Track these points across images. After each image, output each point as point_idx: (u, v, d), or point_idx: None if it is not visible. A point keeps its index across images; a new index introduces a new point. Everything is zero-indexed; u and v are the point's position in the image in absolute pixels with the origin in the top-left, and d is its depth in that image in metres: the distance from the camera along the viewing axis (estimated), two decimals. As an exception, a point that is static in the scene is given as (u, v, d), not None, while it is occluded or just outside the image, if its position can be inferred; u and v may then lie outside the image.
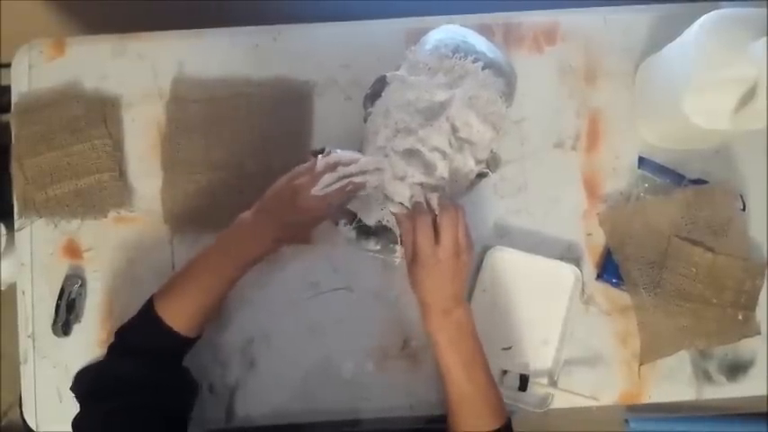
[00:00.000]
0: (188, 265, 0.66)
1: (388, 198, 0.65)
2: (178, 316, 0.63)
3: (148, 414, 0.61)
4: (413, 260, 0.63)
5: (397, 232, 0.66)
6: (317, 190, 0.62)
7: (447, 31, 0.67)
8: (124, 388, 0.62)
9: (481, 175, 0.68)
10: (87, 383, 0.66)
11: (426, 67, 0.64)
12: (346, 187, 0.63)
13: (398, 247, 0.67)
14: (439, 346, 0.63)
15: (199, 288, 0.64)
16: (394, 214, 0.65)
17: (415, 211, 0.63)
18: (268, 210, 0.65)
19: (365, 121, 0.67)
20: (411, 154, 0.64)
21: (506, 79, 0.66)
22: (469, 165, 0.65)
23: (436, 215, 0.63)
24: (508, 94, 0.67)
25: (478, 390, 0.62)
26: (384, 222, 0.66)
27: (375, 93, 0.67)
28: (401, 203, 0.65)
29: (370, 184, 0.65)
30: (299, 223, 0.66)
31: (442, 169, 0.64)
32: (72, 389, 0.66)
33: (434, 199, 0.63)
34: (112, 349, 0.65)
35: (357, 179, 0.63)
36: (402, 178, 0.64)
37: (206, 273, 0.65)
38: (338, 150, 0.66)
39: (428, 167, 0.64)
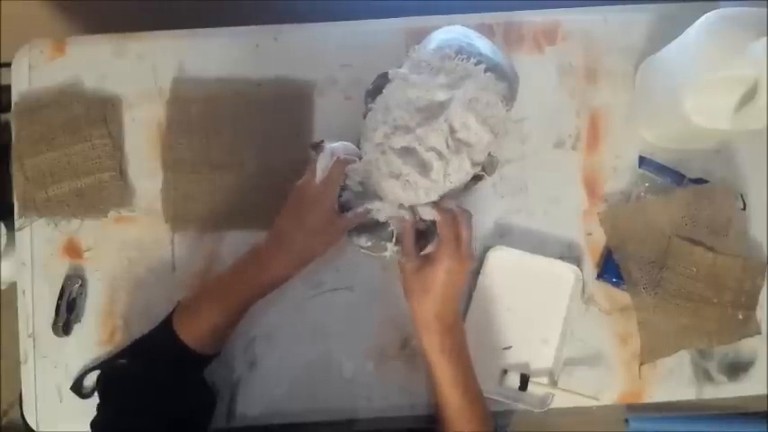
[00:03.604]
0: (206, 286, 0.68)
1: (380, 196, 0.66)
2: (192, 334, 0.64)
3: (161, 420, 0.61)
4: (422, 265, 0.64)
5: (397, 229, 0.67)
6: (319, 177, 0.64)
7: (452, 32, 0.67)
8: (140, 393, 0.62)
9: (477, 178, 0.68)
10: (105, 385, 0.67)
11: (428, 67, 0.64)
12: (340, 166, 0.65)
13: (389, 245, 0.68)
14: (438, 365, 0.64)
15: (213, 310, 0.65)
16: (440, 211, 0.66)
17: (441, 210, 0.65)
18: (282, 231, 0.65)
19: (364, 117, 0.68)
20: (407, 152, 0.64)
21: (508, 83, 0.66)
22: (465, 167, 0.65)
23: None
24: (509, 98, 0.66)
25: (471, 402, 0.64)
26: (387, 219, 0.67)
27: (376, 89, 0.67)
28: (400, 204, 0.67)
29: (356, 172, 0.67)
30: (316, 228, 0.65)
31: (438, 169, 0.64)
32: (94, 388, 0.68)
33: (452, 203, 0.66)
34: (131, 356, 0.66)
35: (343, 157, 0.66)
36: (397, 176, 0.64)
37: (221, 297, 0.65)
38: (328, 142, 0.68)
39: (424, 167, 0.64)
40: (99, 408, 0.64)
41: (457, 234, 0.64)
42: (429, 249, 0.67)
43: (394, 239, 0.67)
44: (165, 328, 0.64)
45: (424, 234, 0.68)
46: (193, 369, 0.66)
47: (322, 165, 0.65)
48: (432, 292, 0.63)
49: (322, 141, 0.68)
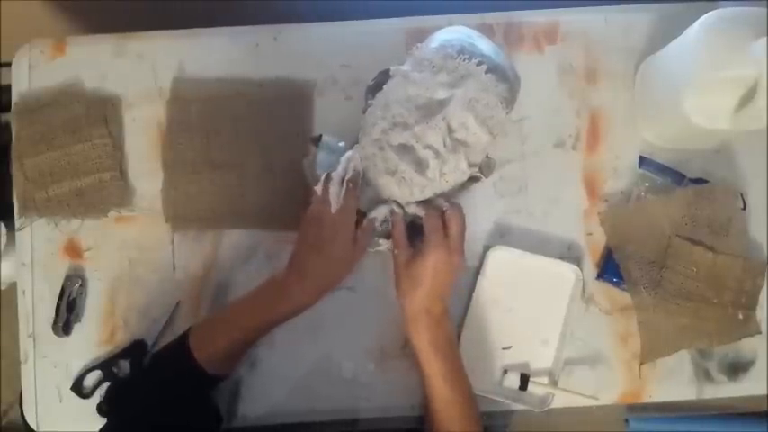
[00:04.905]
0: (225, 311, 0.68)
1: (377, 191, 0.67)
2: (207, 355, 0.63)
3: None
4: (413, 256, 0.64)
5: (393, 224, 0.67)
6: (334, 207, 0.64)
7: (455, 32, 0.67)
8: (146, 406, 0.63)
9: (473, 179, 0.68)
10: (114, 396, 0.68)
11: (430, 65, 0.64)
12: (353, 193, 0.65)
13: (381, 240, 0.68)
14: (428, 358, 0.64)
15: (230, 335, 0.65)
16: (425, 206, 0.66)
17: (426, 205, 0.66)
18: (303, 262, 0.65)
19: (364, 112, 0.68)
20: (405, 149, 0.64)
21: (509, 85, 0.66)
22: (462, 167, 0.65)
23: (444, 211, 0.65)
24: (509, 100, 0.66)
25: (463, 397, 0.64)
26: (386, 215, 0.68)
27: (377, 85, 0.67)
28: (395, 201, 0.67)
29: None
30: (337, 258, 0.65)
31: (434, 168, 0.64)
32: (101, 404, 0.70)
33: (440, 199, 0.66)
34: (146, 369, 0.67)
35: (350, 176, 0.65)
36: (393, 173, 0.64)
37: (239, 323, 0.65)
38: (328, 137, 0.68)
39: (420, 165, 0.64)
40: (106, 415, 0.65)
41: (443, 226, 0.64)
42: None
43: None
44: (180, 347, 0.64)
45: (421, 229, 0.68)
46: (203, 388, 0.66)
47: (334, 193, 0.64)
48: (421, 286, 0.63)
49: (321, 135, 0.68)
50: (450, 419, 0.64)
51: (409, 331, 0.66)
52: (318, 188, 0.66)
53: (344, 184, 0.65)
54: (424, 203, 0.67)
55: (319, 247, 0.64)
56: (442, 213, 0.65)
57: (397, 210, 0.67)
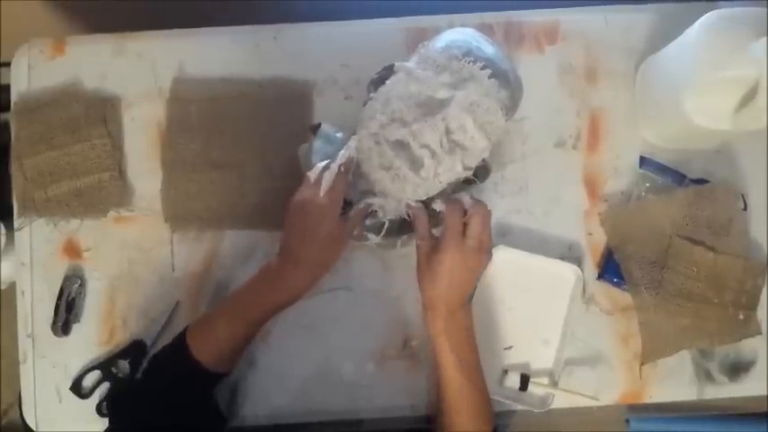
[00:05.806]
0: (220, 304, 0.68)
1: (370, 184, 0.66)
2: (206, 351, 0.63)
3: None
4: (433, 249, 0.64)
5: (385, 218, 0.67)
6: (323, 190, 0.63)
7: (462, 34, 0.67)
8: (150, 411, 0.62)
9: (468, 182, 0.68)
10: (115, 400, 0.68)
11: (434, 64, 0.64)
12: (344, 179, 0.64)
13: (371, 235, 0.68)
14: (442, 347, 0.64)
15: (228, 329, 0.64)
16: (447, 202, 0.66)
17: (450, 200, 0.66)
18: (293, 249, 0.65)
19: (364, 105, 0.67)
20: (401, 146, 0.64)
21: (511, 93, 0.65)
22: (457, 169, 0.65)
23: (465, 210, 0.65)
24: (510, 107, 0.66)
25: (476, 392, 0.64)
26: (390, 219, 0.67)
27: (381, 79, 0.67)
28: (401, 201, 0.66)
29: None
30: (327, 241, 0.64)
31: (429, 167, 0.64)
32: (105, 407, 0.69)
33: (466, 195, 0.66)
34: (146, 372, 0.67)
35: (344, 161, 0.65)
36: (387, 168, 0.64)
37: (235, 316, 0.65)
38: (327, 126, 0.68)
39: (415, 163, 0.64)
40: (110, 422, 0.65)
41: (463, 225, 0.64)
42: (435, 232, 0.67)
43: (384, 231, 0.67)
44: (178, 346, 0.64)
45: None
46: (204, 386, 0.66)
47: (327, 179, 0.64)
48: (439, 278, 0.63)
49: (320, 124, 0.68)
50: (460, 413, 0.63)
51: (425, 320, 0.65)
52: (312, 174, 0.65)
53: (337, 168, 0.64)
54: (443, 198, 0.67)
55: (305, 235, 0.64)
56: (464, 211, 0.65)
57: (416, 203, 0.67)
